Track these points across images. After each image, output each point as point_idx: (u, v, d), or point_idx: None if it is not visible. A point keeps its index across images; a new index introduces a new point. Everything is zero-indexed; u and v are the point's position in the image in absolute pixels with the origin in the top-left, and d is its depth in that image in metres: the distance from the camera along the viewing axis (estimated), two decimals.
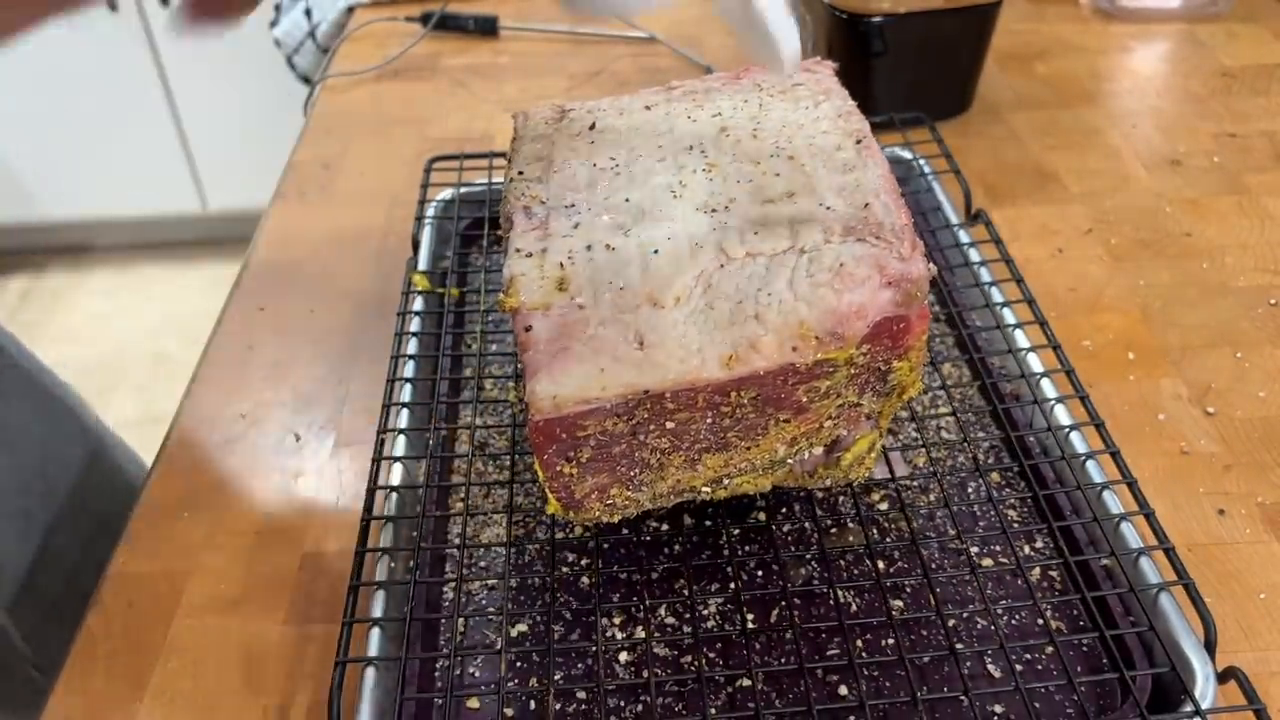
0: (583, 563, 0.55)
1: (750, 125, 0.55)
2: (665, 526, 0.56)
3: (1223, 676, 0.45)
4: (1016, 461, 0.57)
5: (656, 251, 0.47)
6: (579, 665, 0.50)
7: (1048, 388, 0.59)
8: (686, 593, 0.52)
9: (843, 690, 0.48)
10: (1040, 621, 0.50)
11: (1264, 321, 0.70)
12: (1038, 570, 0.53)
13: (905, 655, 0.46)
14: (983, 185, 0.84)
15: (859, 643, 0.50)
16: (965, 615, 0.51)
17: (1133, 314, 0.71)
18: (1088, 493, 0.53)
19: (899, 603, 0.52)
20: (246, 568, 0.57)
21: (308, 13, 1.19)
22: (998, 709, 0.47)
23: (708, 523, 0.55)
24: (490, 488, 0.59)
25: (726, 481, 0.50)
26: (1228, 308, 0.71)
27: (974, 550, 0.54)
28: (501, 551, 0.55)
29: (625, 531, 0.55)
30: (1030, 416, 0.60)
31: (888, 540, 0.55)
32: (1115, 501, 0.52)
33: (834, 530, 0.56)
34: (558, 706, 0.48)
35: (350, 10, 1.19)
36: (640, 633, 0.51)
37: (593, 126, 0.57)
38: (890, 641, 0.50)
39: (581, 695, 0.49)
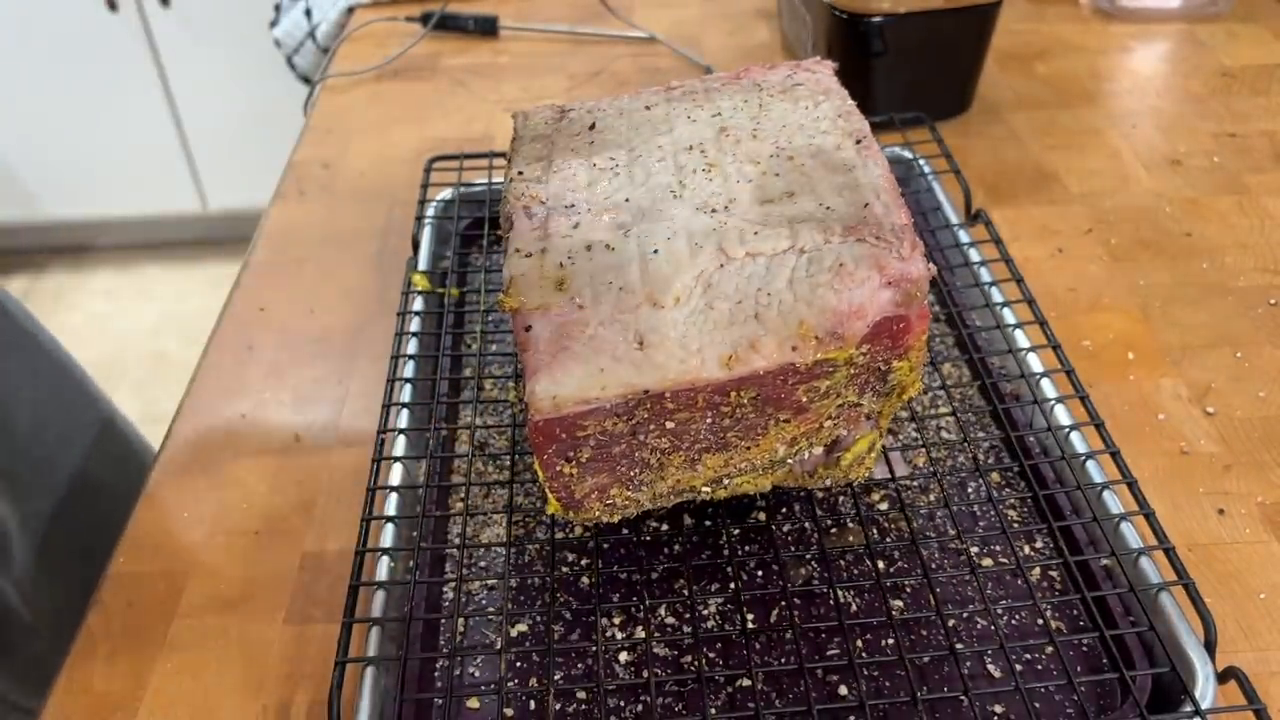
0: (583, 563, 0.55)
1: (750, 125, 0.55)
2: (665, 526, 0.56)
3: (1223, 676, 0.45)
4: (1016, 461, 0.57)
5: (656, 251, 0.47)
6: (579, 665, 0.50)
7: (1048, 388, 0.59)
8: (686, 593, 0.52)
9: (843, 690, 0.48)
10: (1040, 621, 0.50)
11: (1264, 321, 0.70)
12: (1038, 570, 0.53)
13: (905, 655, 0.46)
14: (983, 185, 0.84)
15: (859, 643, 0.50)
16: (965, 615, 0.51)
17: (1133, 314, 0.71)
18: (1088, 493, 0.54)
19: (899, 603, 0.52)
20: (246, 568, 0.57)
21: (308, 13, 1.19)
22: (998, 709, 0.47)
23: (708, 523, 0.55)
24: (490, 488, 0.59)
25: (726, 481, 0.50)
26: (1228, 308, 0.71)
27: (974, 550, 0.54)
28: (501, 551, 0.55)
29: (625, 531, 0.55)
30: (1030, 416, 0.60)
31: (888, 540, 0.55)
32: (1115, 501, 0.52)
33: (834, 530, 0.56)
34: (558, 706, 0.48)
35: (350, 10, 1.19)
36: (640, 633, 0.51)
37: (593, 126, 0.57)
38: (890, 641, 0.50)
39: (581, 695, 0.49)
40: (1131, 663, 0.48)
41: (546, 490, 0.48)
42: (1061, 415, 0.57)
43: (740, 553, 0.55)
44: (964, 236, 0.71)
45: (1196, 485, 0.59)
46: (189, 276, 2.36)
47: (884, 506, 0.56)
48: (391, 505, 0.55)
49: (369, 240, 0.82)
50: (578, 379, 0.44)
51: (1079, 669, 0.49)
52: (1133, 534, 0.51)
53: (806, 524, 0.56)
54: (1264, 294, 0.72)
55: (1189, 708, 0.44)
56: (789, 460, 0.51)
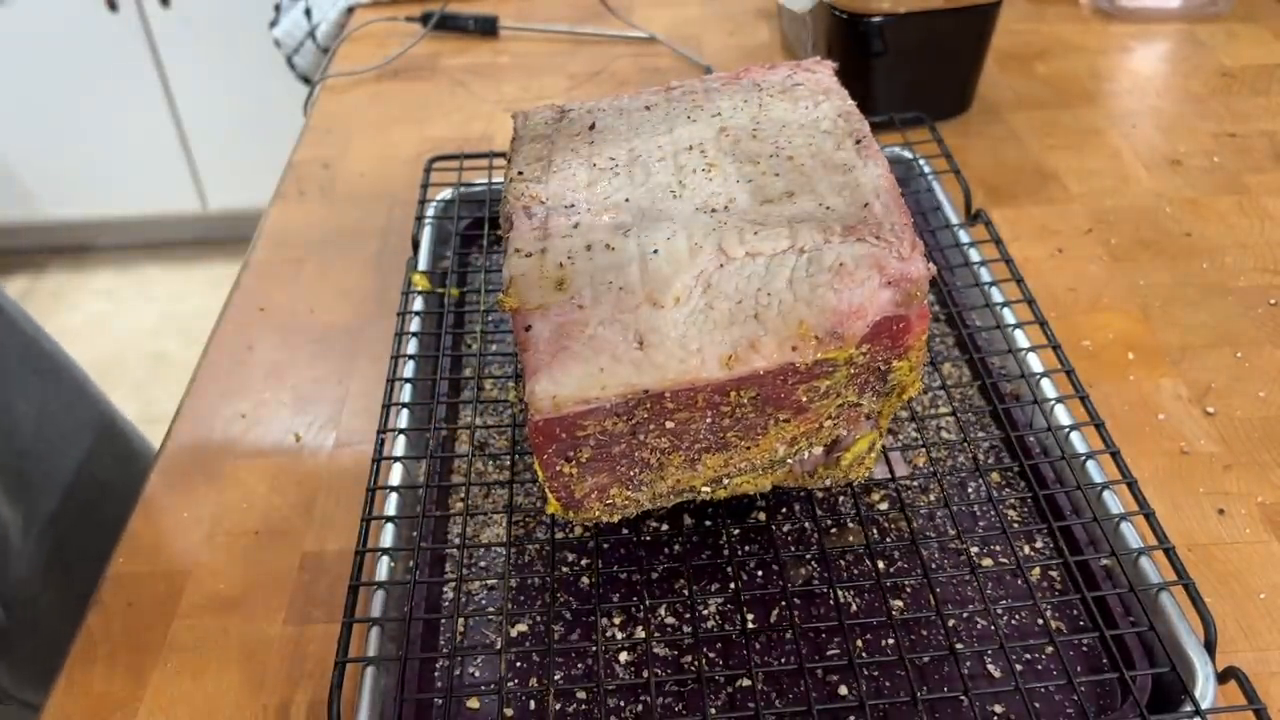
0: (583, 563, 0.55)
1: (750, 125, 0.55)
2: (665, 526, 0.56)
3: (1223, 676, 0.45)
4: (1016, 461, 0.57)
5: (656, 251, 0.47)
6: (579, 665, 0.50)
7: (1048, 388, 0.59)
8: (686, 593, 0.52)
9: (843, 690, 0.48)
10: (1040, 621, 0.50)
11: (1264, 321, 0.70)
12: (1038, 570, 0.53)
13: (905, 655, 0.46)
14: (983, 185, 0.84)
15: (859, 643, 0.50)
16: (965, 615, 0.51)
17: (1133, 314, 0.71)
18: (1088, 493, 0.53)
19: (899, 603, 0.52)
20: (246, 568, 0.57)
21: (308, 13, 1.19)
22: (998, 709, 0.47)
23: (708, 523, 0.55)
24: (490, 488, 0.59)
25: (726, 481, 0.50)
26: (1228, 308, 0.71)
27: (974, 550, 0.54)
28: (501, 551, 0.55)
29: (625, 531, 0.55)
30: (1030, 416, 0.60)
31: (888, 540, 0.55)
32: (1115, 501, 0.52)
33: (834, 530, 0.56)
34: (558, 706, 0.48)
35: (350, 10, 1.19)
36: (640, 633, 0.51)
37: (593, 126, 0.57)
38: (890, 641, 0.50)
39: (581, 695, 0.49)
40: (1131, 663, 0.48)
41: (546, 490, 0.48)
42: (1061, 415, 0.57)
43: (740, 553, 0.55)
44: (964, 236, 0.71)
45: (1196, 485, 0.59)
46: (189, 276, 2.36)
47: (884, 506, 0.56)
48: (391, 505, 0.55)
49: (369, 240, 0.82)
50: (577, 379, 0.44)
51: (1079, 669, 0.49)
52: (1133, 534, 0.51)
53: (806, 524, 0.56)
54: (1264, 294, 0.72)
55: (1189, 708, 0.44)
56: (789, 460, 0.51)
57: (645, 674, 0.49)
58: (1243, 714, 0.43)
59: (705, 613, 0.52)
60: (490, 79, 1.05)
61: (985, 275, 0.67)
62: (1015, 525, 0.56)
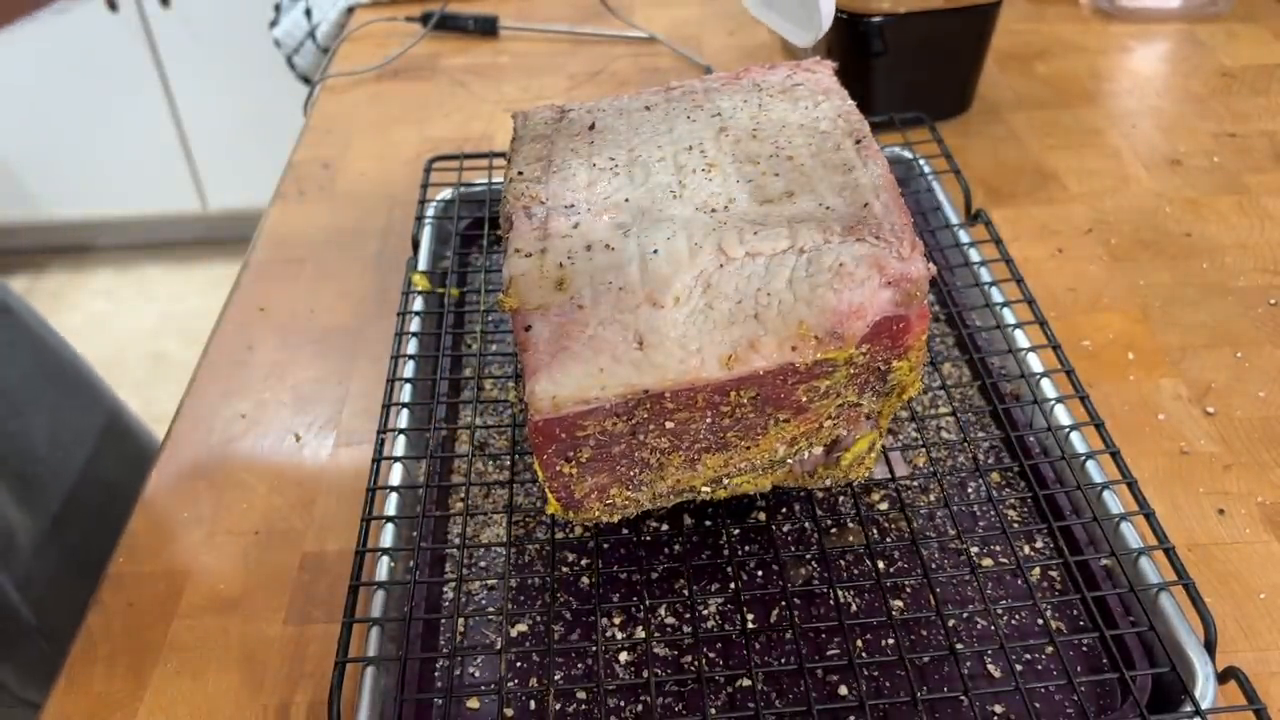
0: (583, 563, 0.55)
1: (750, 125, 0.55)
2: (665, 526, 0.56)
3: (1223, 676, 0.45)
4: (1016, 461, 0.57)
5: (656, 251, 0.47)
6: (579, 665, 0.50)
7: (1048, 388, 0.59)
8: (686, 593, 0.52)
9: (843, 690, 0.48)
10: (1040, 621, 0.50)
11: (1264, 321, 0.70)
12: (1038, 570, 0.53)
13: (905, 655, 0.46)
14: (983, 185, 0.84)
15: (859, 643, 0.50)
16: (965, 615, 0.51)
17: (1133, 314, 0.71)
18: (1088, 493, 0.54)
19: (899, 603, 0.52)
20: (246, 568, 0.57)
21: (308, 13, 1.19)
22: (998, 709, 0.47)
23: (708, 523, 0.55)
24: (490, 488, 0.59)
25: (726, 481, 0.50)
26: (1228, 308, 0.71)
27: (974, 550, 0.54)
28: (501, 551, 0.55)
29: (625, 531, 0.55)
30: (1030, 416, 0.60)
31: (888, 540, 0.55)
32: (1115, 501, 0.52)
33: (834, 530, 0.56)
34: (558, 706, 0.48)
35: (350, 10, 1.19)
36: (640, 633, 0.51)
37: (592, 126, 0.57)
38: (890, 641, 0.50)
39: (581, 695, 0.49)
40: (1131, 663, 0.48)
41: (546, 490, 0.48)
42: (1061, 415, 0.57)
43: (740, 553, 0.55)
44: (964, 236, 0.71)
45: (1196, 485, 0.59)
46: (189, 276, 2.36)
47: (884, 506, 0.56)
48: (391, 505, 0.55)
49: (369, 240, 0.82)
50: (577, 379, 0.44)
51: (1079, 669, 0.49)
52: (1133, 534, 0.51)
53: (806, 524, 0.56)
54: (1264, 294, 0.72)
55: (1189, 708, 0.44)
56: (789, 460, 0.51)
57: (645, 674, 0.49)
58: (1243, 714, 0.43)
59: (705, 613, 0.52)
60: (490, 79, 1.05)
61: (985, 275, 0.67)
62: (1015, 525, 0.56)
